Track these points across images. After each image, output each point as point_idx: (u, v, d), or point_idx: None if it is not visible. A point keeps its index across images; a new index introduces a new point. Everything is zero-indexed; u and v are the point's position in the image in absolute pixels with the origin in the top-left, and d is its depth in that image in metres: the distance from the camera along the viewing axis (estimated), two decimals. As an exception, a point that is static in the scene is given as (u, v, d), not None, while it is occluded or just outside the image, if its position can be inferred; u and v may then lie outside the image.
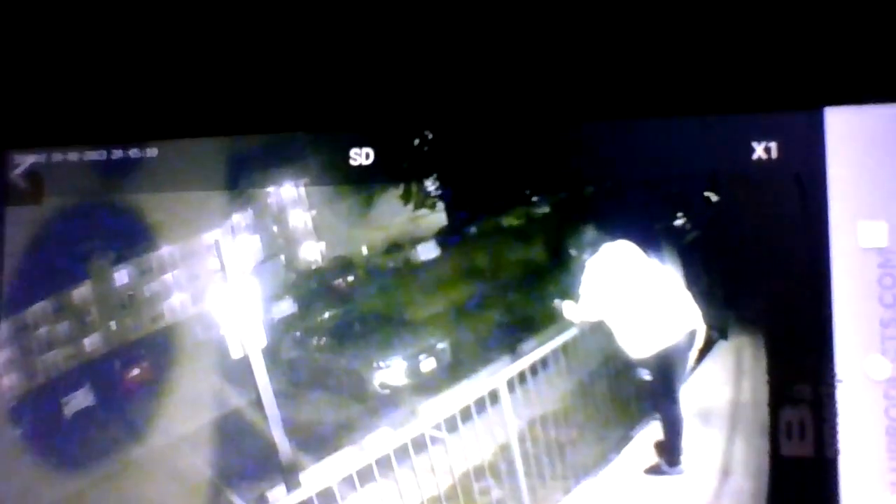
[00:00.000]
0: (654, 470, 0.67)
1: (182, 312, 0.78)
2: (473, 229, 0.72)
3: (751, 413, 0.58)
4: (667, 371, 0.67)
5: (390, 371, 0.76)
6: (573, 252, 0.67)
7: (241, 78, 0.70)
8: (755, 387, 0.58)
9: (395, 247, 0.76)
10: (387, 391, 0.76)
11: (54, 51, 0.75)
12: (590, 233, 0.66)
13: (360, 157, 0.67)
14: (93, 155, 0.73)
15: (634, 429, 0.71)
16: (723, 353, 0.64)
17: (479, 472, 0.72)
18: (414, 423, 0.71)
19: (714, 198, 0.61)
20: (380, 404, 0.75)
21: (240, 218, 0.74)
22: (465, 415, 0.72)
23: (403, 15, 0.67)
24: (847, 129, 0.57)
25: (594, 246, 0.66)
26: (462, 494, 0.70)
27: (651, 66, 0.62)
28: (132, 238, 0.74)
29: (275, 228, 0.77)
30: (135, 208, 0.72)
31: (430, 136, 0.66)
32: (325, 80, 0.69)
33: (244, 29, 0.70)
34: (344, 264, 0.76)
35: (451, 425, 0.72)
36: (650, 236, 0.64)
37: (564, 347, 0.74)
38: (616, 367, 0.70)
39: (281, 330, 0.76)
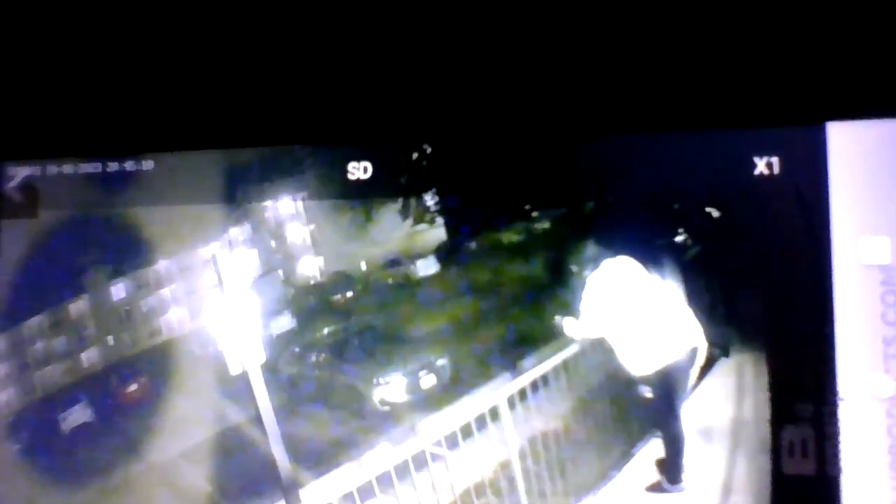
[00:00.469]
0: (655, 488, 0.67)
1: (180, 327, 0.78)
2: (473, 245, 0.72)
3: (752, 431, 0.58)
4: (668, 388, 0.67)
5: (390, 387, 0.76)
6: (574, 268, 0.67)
7: (239, 91, 0.70)
8: (757, 404, 0.58)
9: (394, 262, 0.75)
10: (387, 407, 0.75)
11: (49, 63, 0.74)
12: (590, 249, 0.66)
13: (359, 171, 0.66)
14: (88, 167, 0.72)
15: (635, 446, 0.71)
16: (724, 371, 0.64)
17: (479, 489, 0.71)
18: (414, 439, 0.71)
19: (715, 213, 0.61)
20: (380, 420, 0.74)
21: (237, 232, 0.73)
22: (466, 431, 0.72)
23: (402, 29, 0.67)
24: (849, 144, 0.56)
25: (595, 262, 0.66)
26: (463, 511, 0.70)
27: (652, 82, 0.62)
28: (129, 252, 0.74)
29: (273, 243, 0.77)
30: (131, 222, 0.72)
31: (429, 151, 0.66)
32: (323, 94, 0.68)
33: (241, 42, 0.70)
34: (343, 279, 0.76)
35: (452, 442, 0.71)
36: (651, 252, 0.64)
37: (565, 364, 0.74)
38: (617, 384, 0.70)
39: (280, 346, 0.75)
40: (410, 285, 0.74)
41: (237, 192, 0.70)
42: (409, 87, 0.66)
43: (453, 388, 0.74)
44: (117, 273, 0.78)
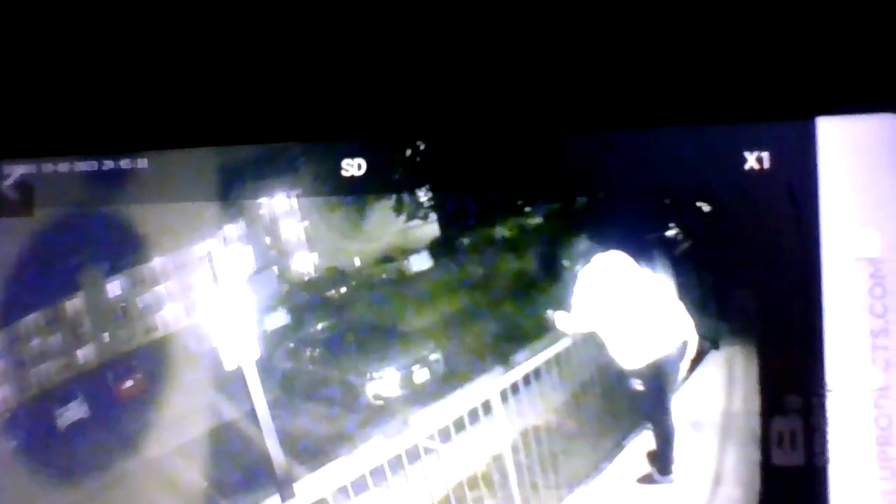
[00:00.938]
0: (646, 479, 0.67)
1: (175, 324, 0.78)
2: (466, 240, 0.72)
3: (742, 422, 0.58)
4: (659, 381, 0.67)
5: (384, 382, 0.76)
6: (566, 263, 0.67)
7: (233, 88, 0.70)
8: (746, 396, 0.58)
9: (387, 258, 0.76)
10: (380, 402, 0.76)
11: (44, 61, 0.74)
12: (582, 243, 0.66)
13: (353, 167, 0.66)
14: (83, 165, 0.72)
15: (626, 438, 0.71)
16: (714, 363, 0.64)
17: (472, 482, 0.72)
18: (407, 433, 0.71)
19: (706, 208, 0.61)
20: (373, 415, 0.75)
21: (232, 229, 0.73)
22: (459, 425, 0.72)
23: (396, 26, 0.67)
24: (839, 139, 0.57)
25: (586, 256, 0.66)
26: (456, 504, 0.70)
27: (643, 77, 0.62)
28: (124, 249, 0.74)
29: (267, 239, 0.77)
30: (127, 219, 0.72)
31: (423, 147, 0.66)
32: (317, 91, 0.68)
33: (236, 39, 0.70)
34: (337, 275, 0.77)
35: (445, 435, 0.72)
36: (642, 247, 0.64)
37: (557, 358, 0.75)
38: (609, 378, 0.70)
39: (274, 341, 0.76)
40: (404, 281, 0.75)
41: (232, 190, 0.70)
42: (403, 84, 0.67)
43: (446, 382, 0.74)
44: (113, 270, 0.78)
